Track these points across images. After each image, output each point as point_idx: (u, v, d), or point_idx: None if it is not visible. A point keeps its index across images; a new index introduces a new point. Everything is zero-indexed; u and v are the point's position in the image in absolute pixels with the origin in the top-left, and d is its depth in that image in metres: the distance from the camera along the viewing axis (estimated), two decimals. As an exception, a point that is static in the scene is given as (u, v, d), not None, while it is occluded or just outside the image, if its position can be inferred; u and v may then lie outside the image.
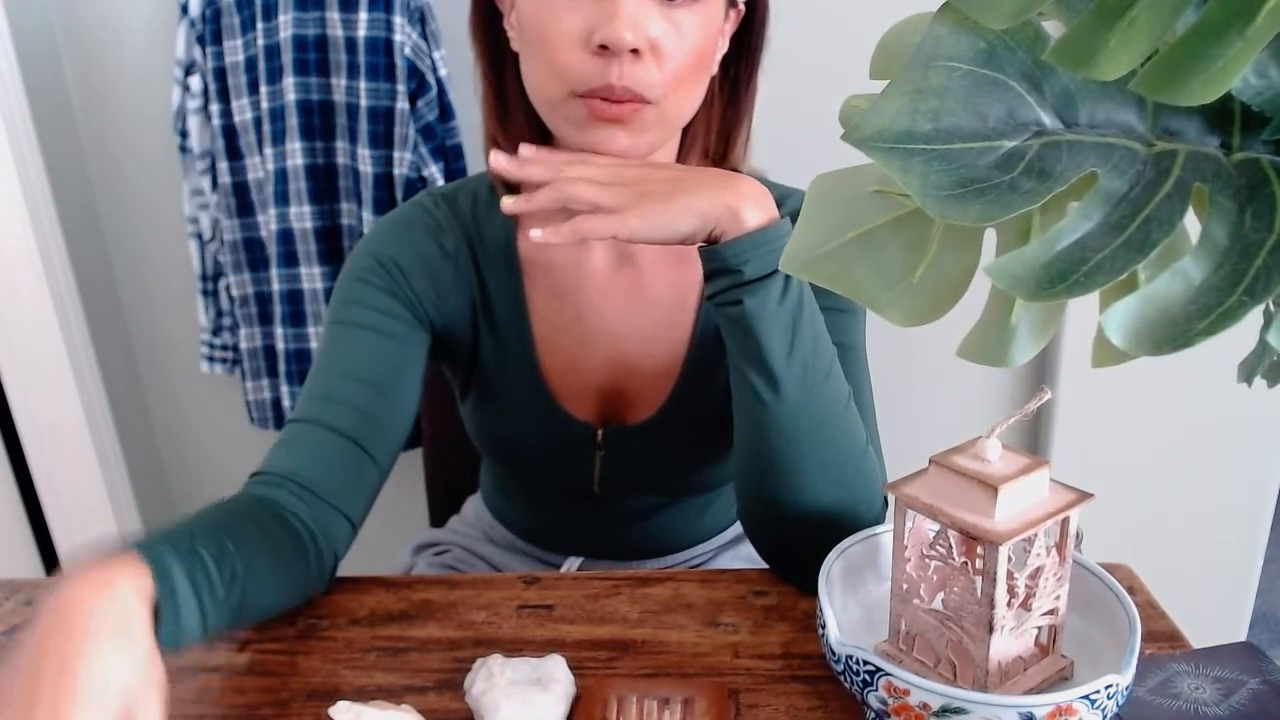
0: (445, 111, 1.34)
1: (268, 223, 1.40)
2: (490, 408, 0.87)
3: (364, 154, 1.33)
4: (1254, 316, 0.26)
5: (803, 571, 0.71)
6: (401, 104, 1.30)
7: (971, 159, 0.28)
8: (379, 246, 0.82)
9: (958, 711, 0.51)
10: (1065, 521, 0.55)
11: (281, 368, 1.45)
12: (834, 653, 0.56)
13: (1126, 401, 1.43)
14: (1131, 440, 1.46)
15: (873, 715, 0.56)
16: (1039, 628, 0.58)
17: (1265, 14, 0.22)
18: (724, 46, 0.77)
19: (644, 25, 0.67)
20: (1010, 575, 0.54)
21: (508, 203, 0.71)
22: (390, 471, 0.80)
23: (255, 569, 0.64)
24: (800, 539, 0.72)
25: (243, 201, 1.42)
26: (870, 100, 0.29)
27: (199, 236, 1.48)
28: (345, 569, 0.77)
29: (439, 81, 1.32)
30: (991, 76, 0.29)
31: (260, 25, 1.31)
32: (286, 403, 1.47)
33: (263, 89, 1.33)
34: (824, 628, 0.57)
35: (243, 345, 1.49)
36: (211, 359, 1.55)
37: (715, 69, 0.77)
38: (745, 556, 0.95)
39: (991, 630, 0.54)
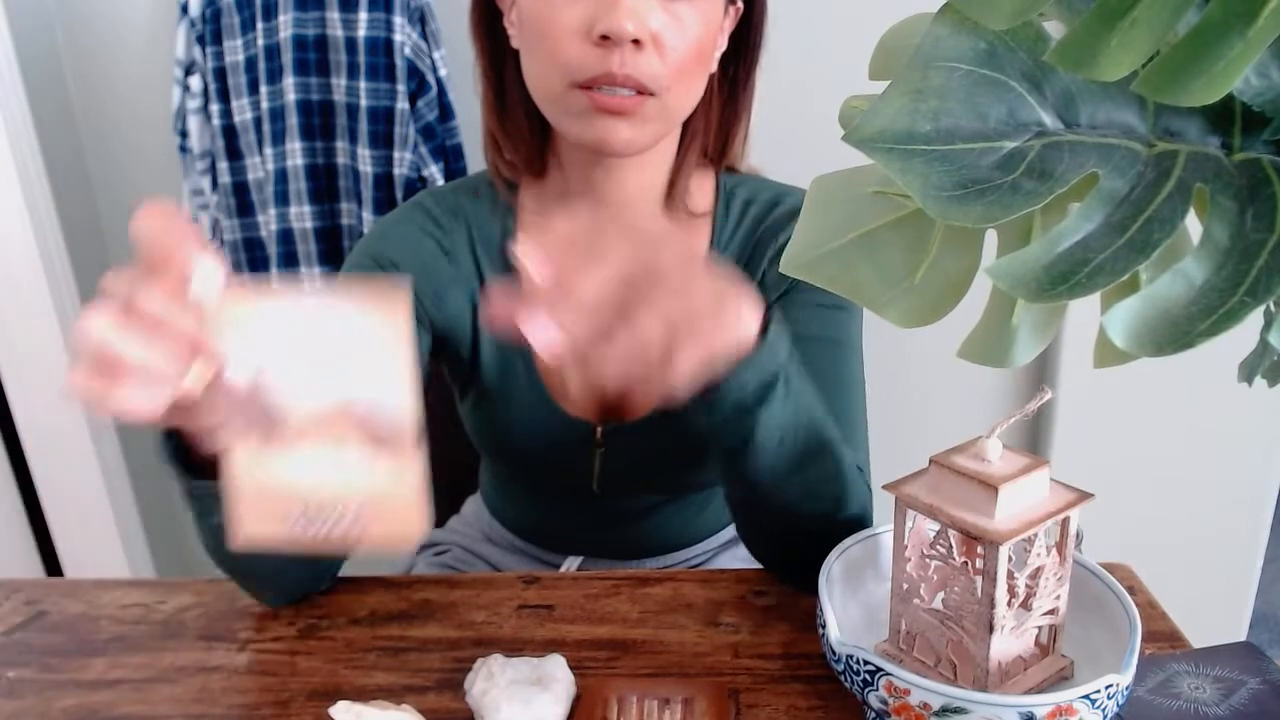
0: (445, 111, 1.34)
1: (268, 223, 1.40)
2: (489, 406, 0.87)
3: (364, 154, 1.33)
4: (1255, 316, 0.26)
5: (800, 576, 0.71)
6: (401, 104, 1.30)
7: (972, 160, 0.28)
8: (377, 247, 0.82)
9: (958, 711, 0.51)
10: (1065, 521, 0.55)
11: (281, 367, 1.45)
12: (834, 652, 0.56)
13: (1127, 401, 1.43)
14: (1131, 440, 1.46)
15: (873, 715, 0.56)
16: (1039, 627, 0.58)
17: (1266, 15, 0.22)
18: (723, 44, 0.78)
19: (645, 16, 0.67)
20: (1010, 575, 0.54)
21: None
22: None
23: (257, 566, 0.64)
24: (791, 554, 0.72)
25: (243, 201, 1.42)
26: (870, 101, 0.29)
27: (199, 236, 1.48)
28: (345, 569, 0.77)
29: (439, 81, 1.32)
30: (992, 77, 0.29)
31: (260, 25, 1.31)
32: (286, 402, 1.47)
33: (263, 89, 1.33)
34: (824, 627, 0.57)
35: (243, 345, 1.49)
36: (211, 359, 1.55)
37: (715, 66, 0.77)
38: (745, 556, 0.95)
39: (992, 630, 0.54)
